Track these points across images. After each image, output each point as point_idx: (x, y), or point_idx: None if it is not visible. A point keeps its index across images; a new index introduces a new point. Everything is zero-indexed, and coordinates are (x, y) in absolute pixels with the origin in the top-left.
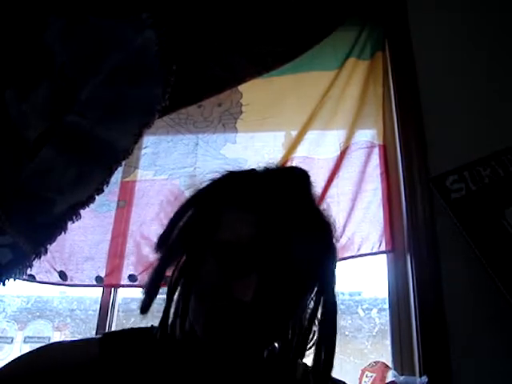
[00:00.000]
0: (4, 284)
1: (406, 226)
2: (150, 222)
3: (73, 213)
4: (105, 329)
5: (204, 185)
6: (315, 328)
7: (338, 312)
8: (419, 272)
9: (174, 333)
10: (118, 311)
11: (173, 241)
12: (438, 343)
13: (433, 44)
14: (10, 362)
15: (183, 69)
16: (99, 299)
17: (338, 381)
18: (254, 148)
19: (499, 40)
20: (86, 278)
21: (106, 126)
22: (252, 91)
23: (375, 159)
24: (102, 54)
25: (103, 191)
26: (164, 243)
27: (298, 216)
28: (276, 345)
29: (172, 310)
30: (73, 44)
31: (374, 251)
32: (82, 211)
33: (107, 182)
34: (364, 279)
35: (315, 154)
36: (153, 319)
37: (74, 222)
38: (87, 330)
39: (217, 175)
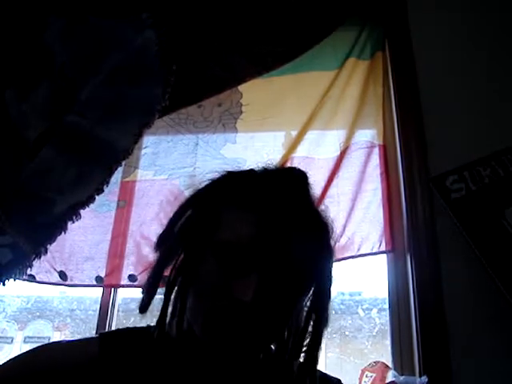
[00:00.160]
0: (4, 284)
1: (406, 226)
2: (149, 222)
3: (73, 213)
4: (105, 329)
5: (203, 185)
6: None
7: (338, 312)
8: (419, 272)
9: (171, 332)
10: (118, 311)
11: (172, 240)
12: (437, 343)
13: (433, 44)
14: (6, 362)
15: (183, 69)
16: (99, 299)
17: (333, 378)
18: (253, 148)
19: (499, 40)
20: (86, 278)
21: (106, 126)
22: (252, 91)
23: (375, 159)
24: (101, 53)
25: (103, 191)
26: (163, 243)
27: (297, 216)
28: (272, 346)
29: (170, 310)
30: (73, 44)
31: (373, 251)
32: (81, 211)
33: (107, 182)
34: (364, 279)
35: (315, 154)
36: (152, 319)
37: (73, 222)
38: (87, 330)
39: (216, 175)
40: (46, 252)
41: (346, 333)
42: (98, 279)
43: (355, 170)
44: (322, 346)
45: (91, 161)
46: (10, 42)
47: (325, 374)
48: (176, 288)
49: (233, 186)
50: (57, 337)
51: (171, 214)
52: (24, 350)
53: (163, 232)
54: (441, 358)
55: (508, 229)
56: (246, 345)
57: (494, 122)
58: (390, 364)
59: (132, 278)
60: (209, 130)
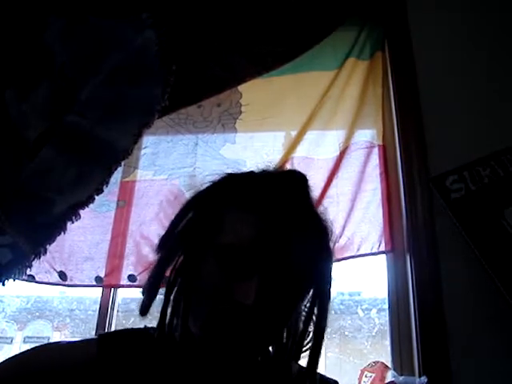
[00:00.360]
0: (4, 284)
1: (406, 226)
2: (149, 222)
3: (72, 213)
4: (104, 329)
5: (204, 187)
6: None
7: (338, 312)
8: (419, 272)
9: (171, 333)
10: (118, 311)
11: (173, 242)
12: (437, 343)
13: (433, 44)
14: (3, 362)
15: (183, 69)
16: (99, 299)
17: (331, 380)
18: (253, 148)
19: (499, 40)
20: (86, 278)
21: (106, 126)
22: (252, 91)
23: (375, 159)
24: (102, 53)
25: (103, 191)
26: (164, 245)
27: (298, 219)
28: (270, 348)
29: (169, 311)
30: (73, 44)
31: (373, 251)
32: (81, 211)
33: (107, 182)
34: (364, 279)
35: (315, 155)
36: (152, 320)
37: (73, 222)
38: (87, 330)
39: (216, 177)
40: (46, 252)
41: (346, 333)
42: (98, 279)
43: (355, 170)
44: (322, 347)
45: (91, 161)
46: (10, 42)
47: (322, 376)
48: (176, 289)
49: (234, 189)
50: (56, 337)
51: (172, 216)
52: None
53: (165, 234)
54: (440, 358)
55: (507, 229)
56: (246, 346)
57: (494, 122)
58: (389, 364)
59: (132, 278)
60: (208, 130)
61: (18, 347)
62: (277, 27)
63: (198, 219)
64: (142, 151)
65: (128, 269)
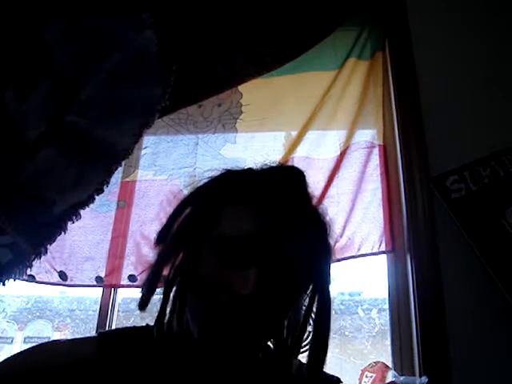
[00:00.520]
0: (4, 284)
1: (406, 226)
2: (150, 222)
3: (73, 213)
4: (105, 329)
5: (202, 183)
6: (310, 326)
7: (338, 312)
8: (419, 272)
9: (170, 330)
10: (118, 311)
11: (172, 236)
12: (437, 343)
13: (433, 44)
14: (3, 361)
15: (183, 69)
16: (99, 299)
17: (333, 376)
18: (253, 148)
19: (499, 40)
20: (86, 278)
21: (106, 126)
22: (252, 91)
23: (375, 159)
24: (102, 53)
25: (103, 191)
26: (163, 239)
27: (296, 211)
28: (270, 343)
29: (168, 308)
30: (73, 44)
31: (374, 251)
32: (81, 211)
33: (107, 182)
34: (364, 279)
35: (315, 155)
36: (152, 319)
37: (73, 222)
38: (87, 330)
39: (215, 173)
40: (46, 252)
41: (346, 333)
42: (98, 279)
43: (355, 170)
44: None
45: (91, 161)
46: (9, 42)
47: (324, 373)
48: (175, 286)
49: (232, 182)
50: (57, 337)
51: (171, 211)
52: None
53: (163, 229)
54: (441, 358)
55: (508, 229)
56: (245, 339)
57: (494, 122)
58: (389, 364)
59: (132, 278)
60: (209, 130)
61: (18, 347)
62: (277, 27)
63: (196, 214)
64: (143, 151)
65: (128, 269)
